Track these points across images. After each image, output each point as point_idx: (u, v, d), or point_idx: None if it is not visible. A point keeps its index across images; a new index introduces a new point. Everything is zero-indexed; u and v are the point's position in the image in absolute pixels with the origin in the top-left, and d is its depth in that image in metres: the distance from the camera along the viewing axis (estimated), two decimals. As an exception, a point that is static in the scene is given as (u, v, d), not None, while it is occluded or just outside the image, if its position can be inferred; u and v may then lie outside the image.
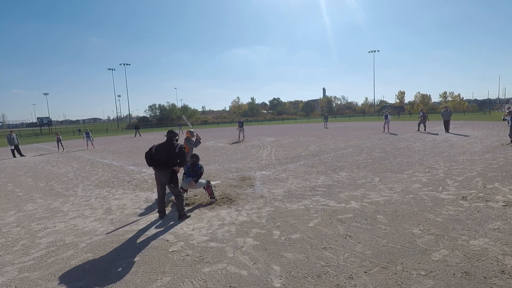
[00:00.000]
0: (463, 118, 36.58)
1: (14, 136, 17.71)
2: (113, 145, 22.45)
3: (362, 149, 12.88)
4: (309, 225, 4.60)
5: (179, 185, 5.80)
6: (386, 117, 20.88)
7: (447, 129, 18.26)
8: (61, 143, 19.94)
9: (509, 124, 11.98)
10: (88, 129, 22.76)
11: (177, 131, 35.67)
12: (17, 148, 17.78)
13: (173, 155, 5.21)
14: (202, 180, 6.15)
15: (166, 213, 5.53)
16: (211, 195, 6.18)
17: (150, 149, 5.36)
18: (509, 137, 12.08)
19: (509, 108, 14.32)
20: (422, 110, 20.52)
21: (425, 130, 19.58)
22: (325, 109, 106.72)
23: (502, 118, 12.72)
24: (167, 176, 5.20)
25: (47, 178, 10.16)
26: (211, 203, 6.03)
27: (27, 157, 17.34)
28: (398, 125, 27.39)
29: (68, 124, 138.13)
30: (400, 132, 19.78)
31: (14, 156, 17.43)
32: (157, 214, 5.47)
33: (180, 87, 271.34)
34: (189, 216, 5.33)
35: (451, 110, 19.68)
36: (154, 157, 5.27)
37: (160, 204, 5.40)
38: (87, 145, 20.71)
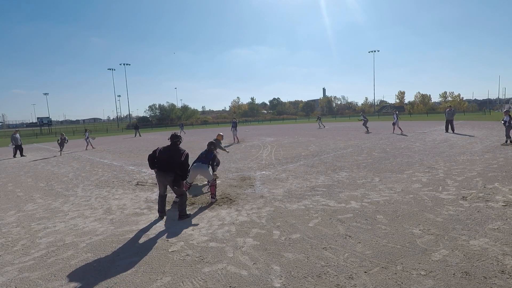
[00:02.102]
0: (463, 118, 36.58)
1: (18, 136, 17.83)
2: (113, 145, 22.45)
3: (362, 149, 12.88)
4: (309, 225, 4.60)
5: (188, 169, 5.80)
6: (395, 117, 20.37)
7: (447, 129, 18.25)
8: (63, 145, 17.94)
9: (506, 125, 11.91)
10: (87, 129, 22.13)
11: (178, 132, 35.12)
12: (19, 148, 17.83)
13: (178, 162, 5.14)
14: (211, 171, 6.16)
15: (166, 213, 5.52)
16: (213, 194, 6.15)
17: (154, 151, 5.31)
18: (505, 137, 12.05)
19: (509, 107, 14.36)
20: (363, 114, 24.58)
21: (367, 131, 21.86)
22: (324, 109, 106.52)
23: (501, 120, 12.56)
24: (170, 179, 5.17)
25: (47, 178, 10.16)
26: (211, 203, 6.03)
27: (27, 157, 17.34)
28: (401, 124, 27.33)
29: (68, 124, 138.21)
30: (400, 132, 19.77)
31: (15, 156, 17.45)
32: (157, 214, 5.46)
33: (180, 87, 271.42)
34: (189, 216, 5.33)
35: (455, 110, 19.79)
36: (158, 161, 5.23)
37: (160, 204, 5.39)
38: (87, 146, 20.46)
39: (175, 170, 5.14)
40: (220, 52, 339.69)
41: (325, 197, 6.06)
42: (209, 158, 6.20)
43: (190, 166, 5.99)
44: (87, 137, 20.24)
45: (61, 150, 17.84)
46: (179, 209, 5.28)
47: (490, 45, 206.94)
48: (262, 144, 17.24)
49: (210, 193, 6.23)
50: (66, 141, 18.16)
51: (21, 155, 17.71)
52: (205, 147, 6.49)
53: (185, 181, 5.69)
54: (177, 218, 5.26)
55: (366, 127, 22.66)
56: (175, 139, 5.36)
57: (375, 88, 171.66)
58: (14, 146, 17.71)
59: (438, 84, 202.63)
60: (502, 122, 12.22)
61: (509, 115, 11.94)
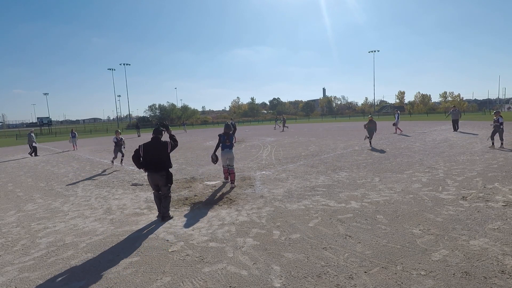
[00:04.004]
0: (463, 118, 36.51)
1: (32, 135, 17.83)
2: (113, 145, 22.40)
3: (362, 149, 12.88)
4: (309, 225, 4.60)
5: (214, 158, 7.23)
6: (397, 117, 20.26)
7: (455, 128, 18.68)
8: (120, 149, 11.77)
9: (501, 127, 11.06)
10: (74, 129, 21.79)
11: (182, 130, 36.30)
12: (31, 147, 17.71)
13: (165, 156, 5.09)
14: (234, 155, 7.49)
15: (172, 216, 5.37)
16: (233, 180, 7.31)
17: (137, 151, 5.16)
18: (500, 140, 11.13)
19: (509, 108, 14.03)
20: (279, 116, 30.67)
21: (283, 130, 28.05)
22: (324, 109, 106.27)
23: (498, 123, 11.14)
24: (163, 178, 5.10)
25: (47, 178, 10.16)
26: (211, 203, 6.03)
27: (28, 157, 17.34)
28: (405, 124, 27.32)
29: (68, 124, 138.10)
30: (408, 132, 19.76)
31: (36, 155, 17.37)
32: (157, 214, 5.44)
33: (180, 87, 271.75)
34: (172, 217, 5.28)
35: (459, 110, 20.46)
36: (145, 159, 5.10)
37: (159, 204, 5.34)
38: (74, 146, 20.42)
39: (165, 168, 5.10)
40: (220, 52, 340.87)
41: (325, 197, 6.06)
42: (231, 141, 7.33)
43: (216, 149, 7.41)
44: (74, 137, 20.43)
45: (114, 158, 11.74)
46: (163, 210, 5.21)
47: (490, 45, 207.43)
48: (262, 144, 17.24)
49: (230, 179, 7.39)
50: (123, 145, 11.98)
51: (32, 154, 17.61)
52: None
53: (213, 155, 7.31)
54: (161, 218, 5.21)
55: (284, 126, 29.37)
56: (157, 133, 5.24)
57: (375, 88, 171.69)
58: (35, 144, 17.81)
59: (438, 84, 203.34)
60: (499, 124, 11.09)
61: (501, 116, 11.40)
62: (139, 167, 5.23)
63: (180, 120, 64.92)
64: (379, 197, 5.86)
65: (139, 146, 5.22)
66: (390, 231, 4.22)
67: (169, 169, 5.25)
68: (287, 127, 30.56)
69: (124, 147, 12.01)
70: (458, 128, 18.64)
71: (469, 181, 6.62)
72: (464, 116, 42.51)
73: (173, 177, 5.39)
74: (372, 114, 73.27)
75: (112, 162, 11.84)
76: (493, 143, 11.28)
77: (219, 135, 7.36)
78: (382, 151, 11.82)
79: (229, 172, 7.40)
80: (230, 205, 5.88)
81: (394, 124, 19.94)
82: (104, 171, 7.88)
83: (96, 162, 13.54)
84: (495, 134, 11.23)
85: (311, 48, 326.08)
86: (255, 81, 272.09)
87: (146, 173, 5.30)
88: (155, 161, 5.09)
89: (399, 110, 74.79)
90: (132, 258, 3.85)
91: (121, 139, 11.80)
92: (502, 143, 11.22)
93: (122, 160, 11.96)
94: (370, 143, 13.86)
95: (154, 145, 5.17)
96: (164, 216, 5.21)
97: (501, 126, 11.09)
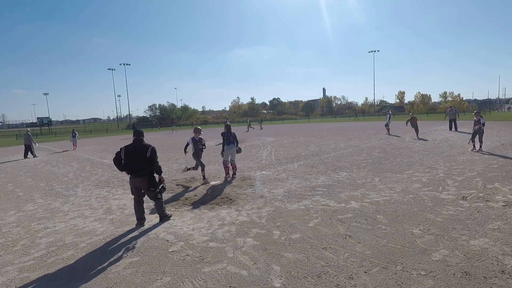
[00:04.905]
0: (463, 118, 36.51)
1: (29, 135, 17.32)
2: (113, 145, 22.45)
3: (362, 149, 12.88)
4: (309, 225, 4.60)
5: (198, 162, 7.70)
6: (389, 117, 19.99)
7: (451, 127, 18.80)
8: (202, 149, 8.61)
9: (483, 128, 10.63)
10: (75, 129, 22.12)
11: (171, 131, 37.72)
12: (28, 148, 17.03)
13: (146, 160, 4.80)
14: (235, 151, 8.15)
15: (170, 215, 5.33)
16: (234, 173, 8.17)
17: (118, 154, 4.92)
18: (480, 142, 10.61)
19: (509, 108, 13.94)
20: (248, 120, 34.78)
21: (248, 130, 31.50)
22: (324, 109, 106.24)
23: (481, 125, 10.64)
24: (145, 182, 4.86)
25: (47, 178, 10.16)
26: (211, 203, 6.03)
27: (28, 158, 17.33)
28: (398, 125, 27.35)
29: (68, 124, 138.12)
30: (400, 133, 19.77)
31: (26, 157, 16.79)
32: (136, 223, 5.06)
33: (180, 87, 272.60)
34: (170, 217, 5.23)
35: (457, 109, 20.69)
36: (126, 163, 4.87)
37: (138, 210, 5.02)
38: (74, 146, 20.60)
39: (146, 171, 4.84)
40: (220, 52, 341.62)
41: (325, 197, 6.06)
42: (234, 137, 8.03)
43: (224, 147, 7.93)
44: (75, 137, 20.59)
45: (198, 166, 8.18)
46: (158, 212, 5.13)
47: (490, 45, 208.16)
48: (262, 144, 17.24)
49: (233, 172, 8.28)
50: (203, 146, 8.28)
51: (29, 154, 17.03)
52: (208, 146, 6.91)
53: (222, 152, 8.05)
54: (159, 220, 5.14)
55: (250, 127, 33.98)
56: (140, 135, 5.00)
57: (375, 88, 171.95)
58: (36, 144, 17.64)
59: (438, 84, 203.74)
60: (481, 125, 10.61)
61: (482, 116, 11.00)
62: (121, 170, 4.95)
63: (179, 120, 64.86)
64: (379, 197, 5.86)
65: (120, 148, 4.97)
66: (390, 231, 4.22)
67: (153, 174, 4.96)
68: (253, 128, 35.46)
69: (204, 148, 8.37)
70: (457, 128, 18.76)
71: (469, 181, 6.62)
72: (464, 116, 42.47)
73: (165, 181, 5.15)
74: (367, 114, 74.07)
75: (201, 170, 8.14)
76: (474, 146, 10.78)
77: (222, 134, 8.04)
78: (382, 151, 11.82)
79: (231, 166, 8.13)
80: (230, 205, 5.88)
81: (386, 125, 19.66)
82: (196, 188, 7.06)
83: (96, 162, 13.54)
84: (476, 135, 10.69)
85: (311, 48, 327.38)
86: (255, 81, 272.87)
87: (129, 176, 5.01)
88: (135, 164, 4.84)
89: (398, 110, 74.78)
90: (132, 258, 3.85)
91: (202, 139, 8.21)
92: (481, 146, 10.63)
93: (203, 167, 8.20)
94: (417, 136, 15.91)
95: (135, 148, 4.91)
96: (161, 217, 5.15)
97: (482, 127, 10.55)
